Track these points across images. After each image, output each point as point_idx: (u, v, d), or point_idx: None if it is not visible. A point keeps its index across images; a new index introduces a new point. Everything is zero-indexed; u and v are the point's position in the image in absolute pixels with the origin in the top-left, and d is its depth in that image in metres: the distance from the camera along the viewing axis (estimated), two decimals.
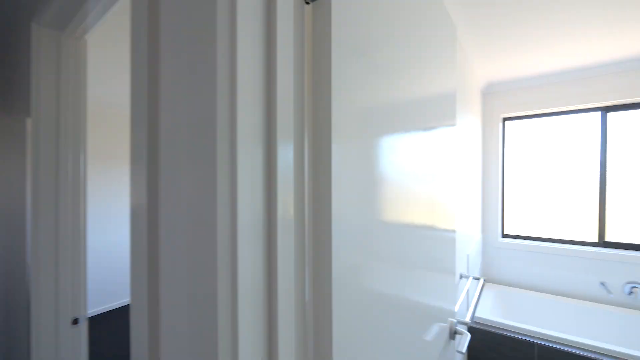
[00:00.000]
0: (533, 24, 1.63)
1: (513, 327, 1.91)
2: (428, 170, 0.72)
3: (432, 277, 0.78)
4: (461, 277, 1.74)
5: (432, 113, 0.73)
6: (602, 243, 2.33)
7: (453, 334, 0.88)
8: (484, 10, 1.50)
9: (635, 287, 2.15)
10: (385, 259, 0.53)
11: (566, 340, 1.77)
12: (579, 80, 2.31)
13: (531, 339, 1.82)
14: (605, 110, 2.31)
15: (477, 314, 2.06)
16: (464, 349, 0.82)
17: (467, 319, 1.38)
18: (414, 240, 0.66)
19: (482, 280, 1.74)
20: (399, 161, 0.58)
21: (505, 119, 2.70)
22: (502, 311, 2.36)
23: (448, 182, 0.89)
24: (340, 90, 0.43)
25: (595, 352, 1.68)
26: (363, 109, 0.48)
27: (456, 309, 1.49)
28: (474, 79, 2.21)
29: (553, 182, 2.54)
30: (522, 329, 1.88)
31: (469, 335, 0.87)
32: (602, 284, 2.25)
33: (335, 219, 0.41)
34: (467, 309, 1.67)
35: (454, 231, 0.94)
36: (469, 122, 2.09)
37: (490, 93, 2.65)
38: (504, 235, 2.72)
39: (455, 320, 0.90)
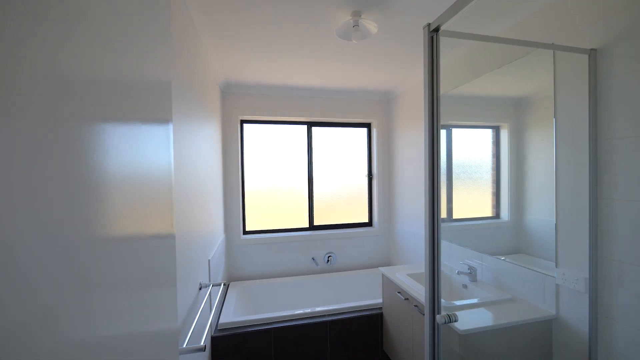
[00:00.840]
0: (268, 39, 1.73)
1: (251, 320, 1.96)
2: (130, 171, 0.50)
3: (143, 302, 0.53)
4: (201, 287, 1.53)
5: (133, 103, 0.51)
6: (311, 227, 3.00)
7: None
8: (221, 6, 1.39)
9: (330, 255, 2.92)
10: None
11: (293, 315, 2.03)
12: (299, 98, 2.83)
13: (267, 326, 1.94)
14: (310, 124, 2.99)
15: (222, 320, 1.95)
16: None
17: (203, 339, 1.18)
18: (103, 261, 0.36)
19: (222, 285, 1.63)
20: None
21: (243, 121, 2.84)
22: (246, 307, 2.42)
23: (164, 183, 0.65)
24: None
25: (312, 317, 2.04)
26: None
27: (191, 327, 1.25)
28: (212, 75, 2.10)
29: (279, 181, 2.96)
30: (259, 319, 1.97)
31: None
32: (313, 258, 2.88)
33: None
34: (210, 319, 1.48)
35: (172, 237, 0.70)
36: (208, 119, 1.95)
37: (229, 93, 2.68)
38: (245, 232, 2.85)
39: None
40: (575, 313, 1.26)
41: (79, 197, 0.34)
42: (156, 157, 0.61)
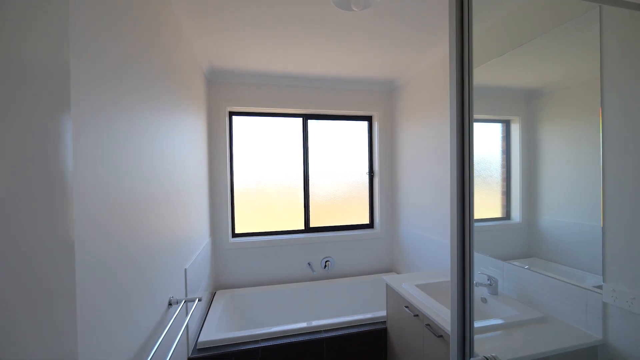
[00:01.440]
0: (254, 12, 1.47)
1: (236, 338, 1.70)
2: None
3: None
4: (171, 303, 1.27)
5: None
6: (307, 229, 2.74)
7: None
8: None
9: (328, 260, 2.67)
10: None
11: (285, 331, 1.77)
12: (293, 87, 2.57)
13: (254, 345, 1.68)
14: (306, 117, 2.73)
15: (201, 338, 1.69)
16: None
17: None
18: None
19: (197, 301, 1.38)
20: None
21: (232, 113, 2.59)
22: (232, 321, 2.16)
23: (57, 184, 0.45)
24: None
25: (306, 333, 1.79)
26: None
27: (150, 355, 1.00)
28: (192, 59, 1.84)
29: (272, 179, 2.71)
30: (245, 336, 1.72)
31: None
32: (309, 263, 2.63)
33: None
34: (177, 340, 1.23)
35: (70, 243, 0.46)
36: (188, 110, 1.70)
37: (216, 81, 2.43)
38: (234, 235, 2.60)
39: None
40: (630, 339, 1.01)
41: None
42: (38, 154, 0.39)
